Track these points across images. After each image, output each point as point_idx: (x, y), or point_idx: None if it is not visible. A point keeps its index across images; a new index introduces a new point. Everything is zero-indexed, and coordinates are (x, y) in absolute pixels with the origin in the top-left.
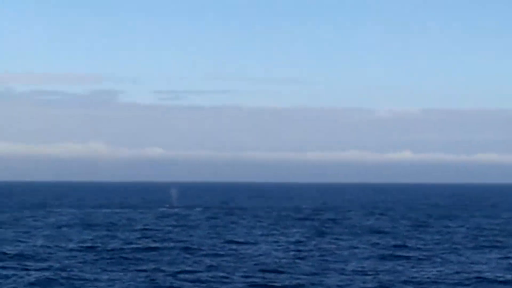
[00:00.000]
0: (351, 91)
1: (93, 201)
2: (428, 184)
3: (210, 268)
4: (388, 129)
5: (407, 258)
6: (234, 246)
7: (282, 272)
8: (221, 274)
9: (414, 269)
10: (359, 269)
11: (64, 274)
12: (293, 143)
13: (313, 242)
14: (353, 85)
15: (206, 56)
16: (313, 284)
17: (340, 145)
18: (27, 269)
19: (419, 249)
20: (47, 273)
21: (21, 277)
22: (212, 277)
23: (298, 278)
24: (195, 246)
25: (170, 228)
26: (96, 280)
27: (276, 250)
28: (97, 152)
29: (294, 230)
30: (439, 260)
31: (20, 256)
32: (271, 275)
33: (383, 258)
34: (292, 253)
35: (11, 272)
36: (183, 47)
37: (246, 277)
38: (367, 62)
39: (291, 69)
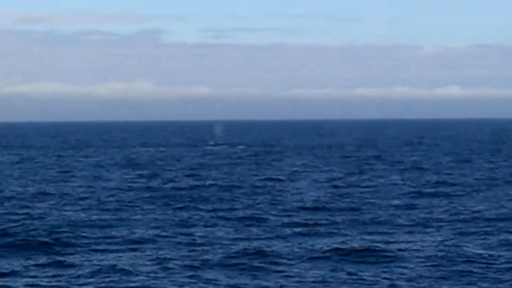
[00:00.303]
0: (396, 28)
1: (137, 141)
2: (476, 120)
3: (247, 206)
4: (435, 65)
5: (446, 194)
6: (273, 184)
7: (319, 209)
8: (258, 212)
9: (452, 205)
10: (397, 205)
11: (100, 214)
12: (341, 80)
13: (353, 179)
14: (398, 21)
15: None
16: (351, 220)
17: (388, 82)
18: (64, 210)
19: (459, 184)
20: (83, 214)
21: (57, 218)
22: (249, 215)
23: (335, 215)
24: (234, 184)
25: (211, 166)
26: (131, 220)
27: (315, 187)
28: (143, 91)
29: (336, 167)
30: (478, 196)
31: (59, 197)
32: (309, 213)
33: (422, 194)
34: (331, 190)
35: (48, 211)
36: None
37: (283, 216)
38: None
39: (337, 6)
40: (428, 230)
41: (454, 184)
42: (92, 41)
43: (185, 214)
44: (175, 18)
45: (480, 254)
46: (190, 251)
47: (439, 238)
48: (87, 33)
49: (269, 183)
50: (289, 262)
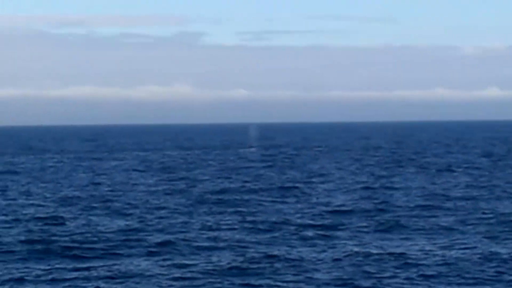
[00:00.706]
0: (435, 29)
1: (172, 144)
2: None
3: (273, 209)
4: (474, 66)
5: (474, 197)
6: (303, 186)
7: (345, 212)
8: (283, 215)
9: (478, 208)
10: (423, 207)
11: (125, 218)
12: (378, 81)
13: (383, 181)
14: (437, 22)
15: None
16: (375, 223)
17: (427, 83)
18: (90, 214)
19: (488, 187)
20: (108, 218)
21: (80, 222)
22: (273, 219)
23: (360, 218)
24: (263, 187)
25: (243, 168)
26: (155, 224)
27: (344, 189)
28: (182, 94)
29: (367, 169)
30: (506, 199)
31: (86, 201)
32: (334, 216)
33: (450, 197)
34: (359, 192)
35: (72, 215)
36: None
37: (307, 218)
38: None
39: (375, 7)
40: (452, 233)
41: (483, 187)
42: (131, 44)
43: (209, 218)
44: (214, 20)
45: (501, 257)
46: (209, 255)
47: (463, 241)
48: (126, 36)
49: (298, 185)
50: (309, 265)
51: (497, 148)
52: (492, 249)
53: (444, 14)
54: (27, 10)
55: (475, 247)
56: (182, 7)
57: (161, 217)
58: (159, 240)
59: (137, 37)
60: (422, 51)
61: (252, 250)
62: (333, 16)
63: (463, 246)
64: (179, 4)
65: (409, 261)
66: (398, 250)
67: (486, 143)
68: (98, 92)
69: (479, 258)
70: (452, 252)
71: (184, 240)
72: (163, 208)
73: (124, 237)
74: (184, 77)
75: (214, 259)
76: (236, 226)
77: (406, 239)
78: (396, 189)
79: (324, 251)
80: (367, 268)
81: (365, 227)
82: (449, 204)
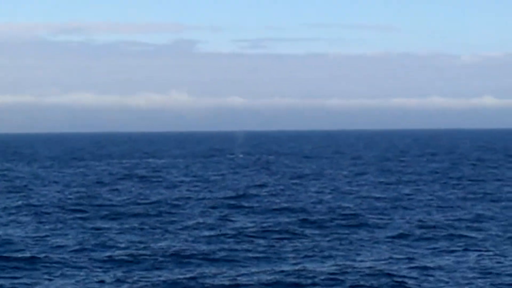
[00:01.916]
0: (434, 37)
1: (158, 152)
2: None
3: (229, 220)
4: (471, 74)
5: (431, 205)
6: (264, 194)
7: (300, 221)
8: (237, 226)
9: (435, 220)
10: (376, 215)
11: (76, 233)
12: (377, 89)
13: (348, 188)
14: (436, 30)
15: (286, 3)
16: (326, 233)
17: (425, 91)
18: (60, 222)
19: (448, 197)
20: (59, 232)
21: (38, 238)
22: (228, 233)
23: (312, 226)
24: (225, 195)
25: (217, 177)
26: (107, 240)
27: (308, 197)
28: (179, 101)
29: (339, 177)
30: (474, 207)
31: (56, 209)
32: (289, 225)
33: (408, 206)
34: (326, 198)
35: (35, 225)
36: None
37: (262, 229)
38: (449, 6)
39: (374, 15)
40: (393, 244)
41: (445, 196)
42: (129, 51)
43: (160, 226)
44: (211, 28)
45: (441, 270)
46: (134, 269)
47: (406, 253)
48: (124, 43)
49: (261, 193)
50: (254, 276)
51: (487, 155)
52: (432, 261)
53: (443, 23)
54: (26, 18)
55: (414, 259)
56: (179, 14)
57: (111, 233)
58: (108, 254)
59: (135, 45)
60: (421, 59)
61: (199, 264)
62: (331, 24)
63: (403, 257)
64: (177, 12)
65: (344, 272)
66: (336, 262)
67: (478, 152)
68: (97, 100)
69: (414, 270)
70: (390, 265)
71: (114, 257)
72: (120, 218)
73: (79, 254)
74: (181, 85)
75: (146, 276)
76: (182, 238)
77: (348, 249)
78: (365, 197)
79: (267, 272)
80: (307, 282)
81: (312, 238)
82: (402, 212)
